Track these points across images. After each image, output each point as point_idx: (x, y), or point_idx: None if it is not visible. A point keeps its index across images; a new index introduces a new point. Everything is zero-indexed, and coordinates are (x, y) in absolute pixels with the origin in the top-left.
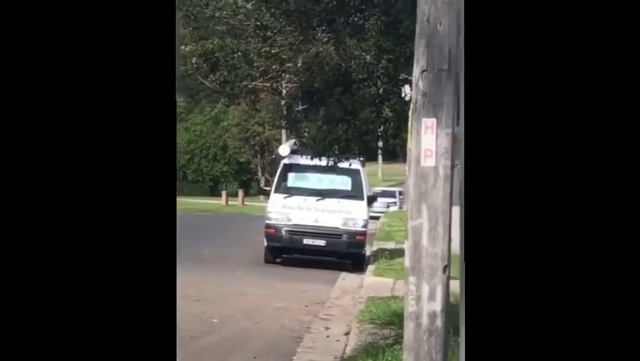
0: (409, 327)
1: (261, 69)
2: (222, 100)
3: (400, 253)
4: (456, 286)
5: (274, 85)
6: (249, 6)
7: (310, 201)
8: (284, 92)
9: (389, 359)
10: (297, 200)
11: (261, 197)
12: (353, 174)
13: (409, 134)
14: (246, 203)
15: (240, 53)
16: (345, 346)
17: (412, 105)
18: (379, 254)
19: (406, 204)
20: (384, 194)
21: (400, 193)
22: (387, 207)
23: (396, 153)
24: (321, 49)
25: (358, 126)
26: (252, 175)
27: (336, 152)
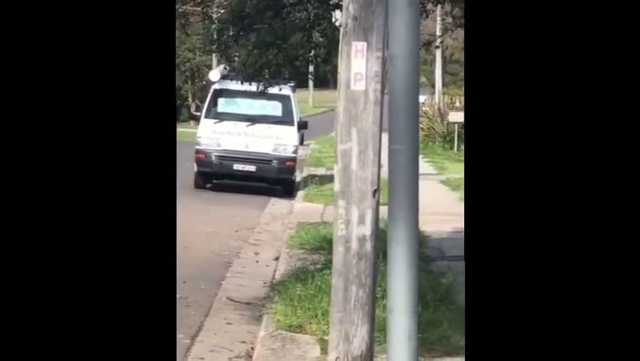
0: (338, 251)
1: None
2: None
3: (330, 179)
4: (385, 211)
5: (204, 9)
6: None
7: (240, 127)
8: (214, 16)
9: (318, 283)
10: (227, 125)
11: (192, 123)
12: (283, 99)
13: (339, 58)
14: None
15: None
16: (275, 271)
17: (342, 29)
18: (309, 180)
19: (335, 128)
20: None
21: None
22: None
23: (327, 80)
24: None
25: (289, 51)
26: (182, 101)
27: (267, 77)
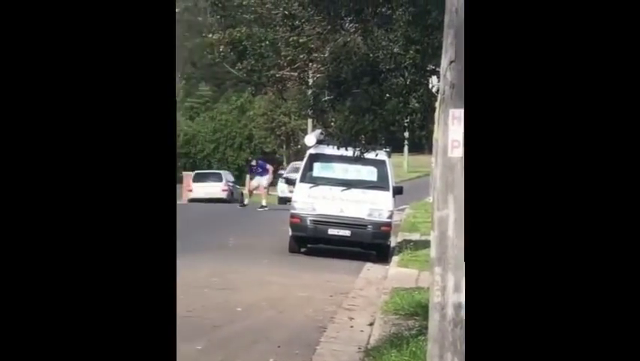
0: (433, 318)
1: (288, 58)
2: (249, 89)
3: (424, 244)
4: None
5: (301, 74)
6: None
7: (336, 191)
8: (311, 81)
9: (413, 349)
10: (322, 190)
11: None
12: (379, 164)
13: (435, 125)
14: (270, 193)
15: (267, 42)
16: (369, 336)
17: (439, 96)
18: (404, 245)
19: (432, 195)
20: None
21: None
22: None
23: (421, 144)
24: (348, 39)
25: (385, 117)
26: (277, 165)
27: (363, 142)
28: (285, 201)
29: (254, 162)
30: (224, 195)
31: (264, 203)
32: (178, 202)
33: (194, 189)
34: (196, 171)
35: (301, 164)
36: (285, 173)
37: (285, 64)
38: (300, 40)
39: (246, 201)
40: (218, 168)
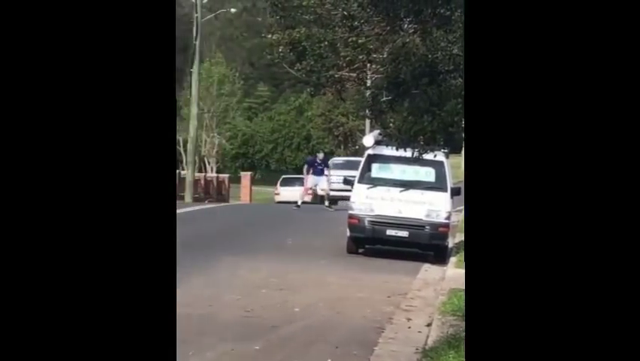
0: None
1: (347, 59)
2: (307, 89)
3: None
4: None
5: (360, 75)
6: None
7: (394, 192)
8: (369, 82)
9: None
10: (380, 191)
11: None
12: (437, 165)
13: None
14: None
15: (326, 43)
16: (427, 337)
17: None
18: (462, 246)
19: None
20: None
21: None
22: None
23: None
24: (407, 39)
25: (444, 118)
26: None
27: (421, 143)
28: (321, 200)
29: (321, 155)
30: (308, 198)
31: (327, 203)
32: (231, 204)
33: (280, 192)
34: (283, 177)
35: (339, 160)
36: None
37: (344, 64)
38: (359, 41)
39: (300, 202)
40: (275, 169)
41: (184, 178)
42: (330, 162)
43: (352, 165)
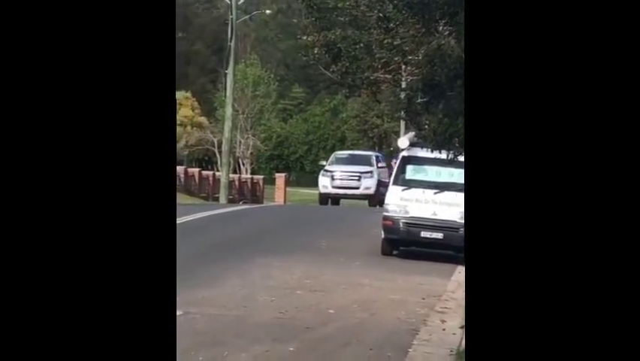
0: None
1: (382, 61)
2: (342, 91)
3: None
4: None
5: (395, 77)
6: None
7: (428, 194)
8: (404, 84)
9: None
10: (415, 192)
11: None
12: None
13: None
14: (303, 190)
15: (361, 45)
16: (462, 339)
17: None
18: None
19: None
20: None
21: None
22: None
23: None
24: (443, 42)
25: None
26: None
27: (457, 145)
28: (328, 198)
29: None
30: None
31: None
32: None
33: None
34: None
35: (343, 154)
36: (327, 165)
37: (379, 66)
38: (395, 43)
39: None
40: (310, 170)
41: (219, 179)
42: (332, 156)
43: (357, 160)
